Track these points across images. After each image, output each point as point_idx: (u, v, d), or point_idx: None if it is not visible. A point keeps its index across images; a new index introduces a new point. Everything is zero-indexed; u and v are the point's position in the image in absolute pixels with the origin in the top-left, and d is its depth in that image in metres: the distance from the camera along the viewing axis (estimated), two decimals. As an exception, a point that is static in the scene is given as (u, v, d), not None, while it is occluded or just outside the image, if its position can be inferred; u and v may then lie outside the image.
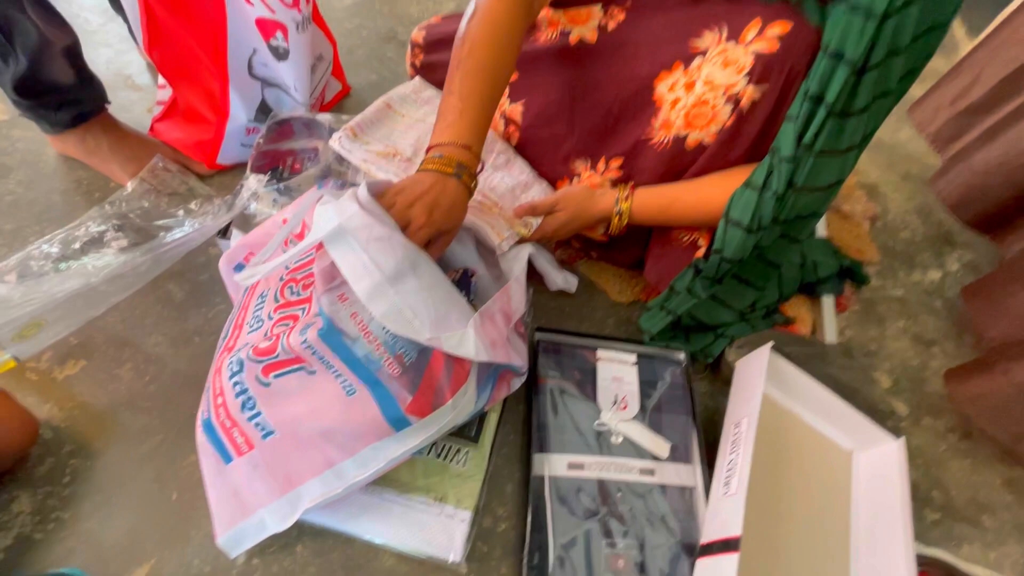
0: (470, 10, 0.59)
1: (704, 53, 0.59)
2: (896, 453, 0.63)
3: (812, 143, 0.54)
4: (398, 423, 0.49)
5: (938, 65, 1.40)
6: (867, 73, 0.52)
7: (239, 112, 0.79)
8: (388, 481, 0.57)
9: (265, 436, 0.50)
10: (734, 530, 0.50)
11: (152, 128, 0.84)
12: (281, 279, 0.60)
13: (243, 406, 0.50)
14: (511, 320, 0.58)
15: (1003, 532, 0.67)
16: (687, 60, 0.60)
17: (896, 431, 0.74)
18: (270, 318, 0.56)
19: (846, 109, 0.53)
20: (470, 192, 0.56)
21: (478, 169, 0.57)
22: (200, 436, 0.52)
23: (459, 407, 0.52)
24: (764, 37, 0.55)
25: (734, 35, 0.57)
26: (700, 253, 0.71)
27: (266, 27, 0.74)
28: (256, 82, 0.80)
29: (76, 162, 0.80)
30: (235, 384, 0.51)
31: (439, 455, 0.59)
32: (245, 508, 0.52)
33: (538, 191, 0.74)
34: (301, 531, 0.55)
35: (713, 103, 0.59)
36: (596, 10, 0.67)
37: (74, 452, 0.57)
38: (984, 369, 0.68)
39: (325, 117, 0.77)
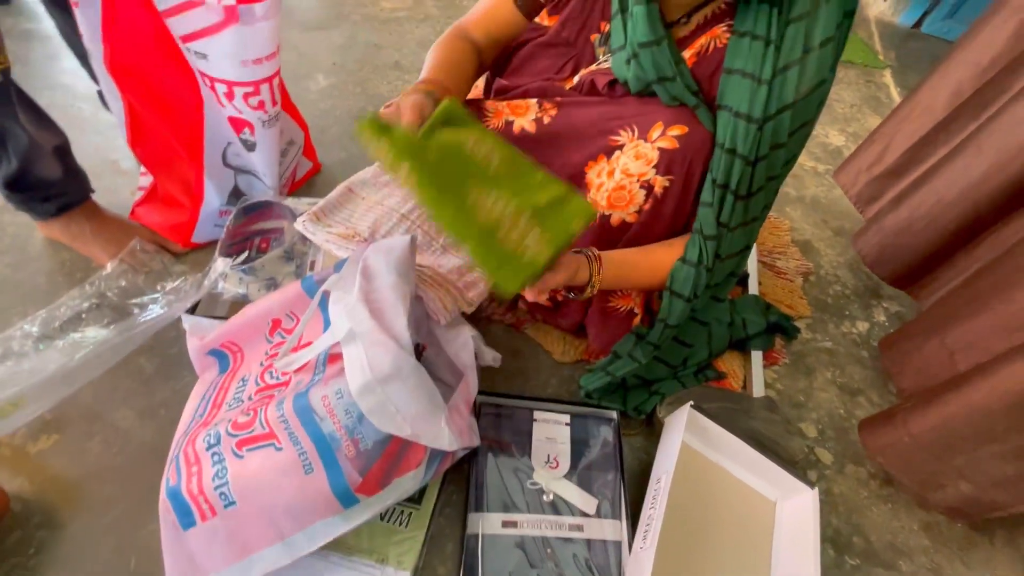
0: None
1: (622, 147, 0.69)
2: (810, 502, 0.69)
3: (728, 222, 0.67)
4: (346, 500, 0.55)
5: (870, 124, 1.52)
6: (758, 164, 0.64)
7: (213, 197, 0.87)
8: (333, 544, 0.60)
9: (227, 506, 0.55)
10: (644, 583, 0.55)
11: (133, 211, 0.92)
12: (261, 364, 0.67)
13: (215, 475, 0.55)
14: (470, 407, 0.65)
15: (919, 576, 0.72)
16: (608, 152, 0.70)
17: (821, 479, 0.79)
18: (250, 399, 0.63)
19: (747, 192, 0.65)
20: (430, 96, 0.61)
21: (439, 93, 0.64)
22: (164, 503, 0.57)
23: (405, 487, 0.58)
24: (666, 136, 0.65)
25: (643, 134, 0.67)
26: (637, 320, 0.79)
27: (236, 123, 0.83)
28: (229, 170, 0.89)
29: (61, 244, 0.87)
30: (212, 455, 0.57)
31: (383, 518, 0.64)
32: (199, 572, 0.56)
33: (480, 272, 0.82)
34: (250, 595, 0.59)
35: (629, 188, 0.68)
36: (532, 104, 0.77)
37: (41, 524, 0.62)
38: (888, 420, 0.74)
39: (291, 201, 0.85)
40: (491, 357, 0.73)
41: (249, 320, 0.70)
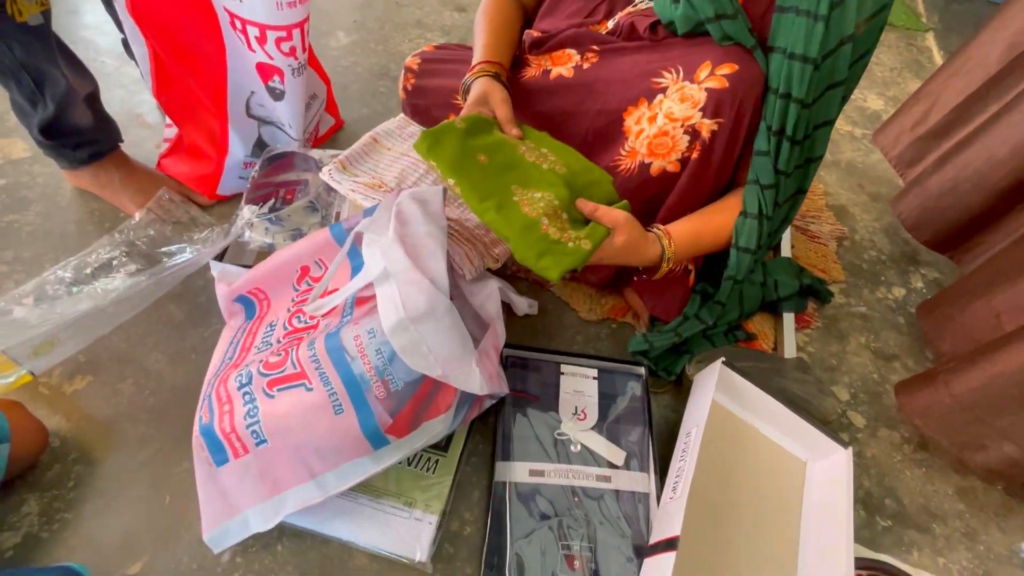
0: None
1: (665, 90, 0.66)
2: (844, 461, 0.67)
3: (785, 168, 0.65)
4: (376, 441, 0.55)
5: (911, 88, 1.45)
6: (815, 105, 0.61)
7: (237, 148, 0.87)
8: (362, 487, 0.61)
9: (259, 444, 0.55)
10: (675, 530, 0.54)
11: (159, 163, 0.92)
12: (289, 310, 0.67)
13: (247, 414, 0.56)
14: (499, 353, 0.64)
15: (953, 540, 0.70)
16: (650, 96, 0.67)
17: (853, 443, 0.77)
18: (279, 342, 0.63)
19: (804, 135, 0.63)
20: (497, 79, 0.70)
21: (503, 74, 0.72)
22: (197, 440, 0.57)
23: (434, 431, 0.58)
24: (714, 76, 0.62)
25: (689, 75, 0.64)
26: (692, 279, 0.77)
27: (265, 71, 0.81)
28: (253, 121, 0.87)
29: (90, 194, 0.88)
30: (244, 394, 0.57)
31: (410, 463, 0.64)
32: (232, 508, 0.57)
33: None
34: (281, 532, 0.60)
35: (672, 134, 0.65)
36: (573, 53, 0.74)
37: (79, 459, 0.63)
38: (929, 382, 0.72)
39: (315, 152, 0.84)
40: (526, 304, 0.72)
41: (277, 266, 0.69)
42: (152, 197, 0.85)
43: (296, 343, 0.60)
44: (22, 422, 0.59)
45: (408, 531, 0.59)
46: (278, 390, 0.56)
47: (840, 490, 0.65)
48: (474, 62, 0.72)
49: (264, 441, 0.55)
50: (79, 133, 0.79)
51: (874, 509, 0.71)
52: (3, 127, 0.96)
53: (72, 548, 0.57)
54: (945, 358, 0.81)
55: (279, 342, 0.63)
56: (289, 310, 0.68)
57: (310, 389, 0.56)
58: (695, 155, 0.65)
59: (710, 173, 0.67)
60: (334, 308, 0.63)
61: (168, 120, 0.92)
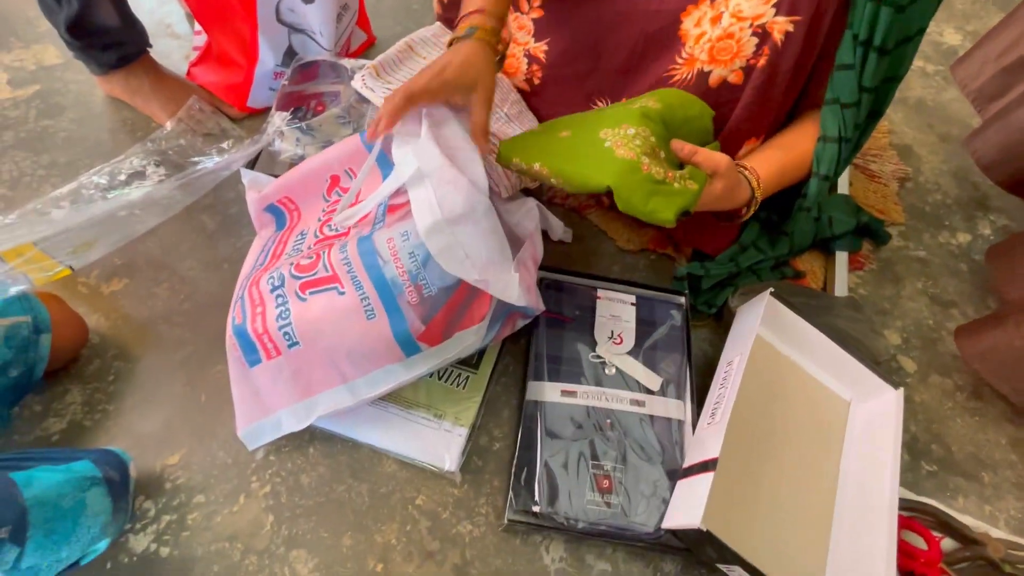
0: None
1: None
2: (893, 402, 0.63)
3: (871, 84, 0.58)
4: (408, 348, 0.54)
5: (993, 23, 1.31)
6: (910, 7, 0.54)
7: (267, 56, 0.83)
8: (392, 396, 0.61)
9: (291, 346, 0.55)
10: (713, 453, 0.52)
11: (188, 72, 0.89)
12: (319, 219, 0.65)
13: (279, 316, 0.55)
14: (537, 266, 0.62)
15: (1002, 489, 0.67)
16: None
17: (903, 387, 0.73)
18: (310, 248, 0.61)
19: (895, 43, 0.56)
20: (489, 46, 0.57)
21: (501, 30, 0.59)
22: (230, 339, 0.57)
23: (467, 342, 0.56)
24: None
25: None
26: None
27: (294, -29, 0.77)
28: (283, 28, 0.83)
29: (122, 103, 0.86)
30: (276, 296, 0.56)
31: (440, 377, 0.63)
32: (265, 407, 0.58)
33: None
34: (313, 435, 0.60)
35: (738, 36, 0.58)
36: None
37: (117, 356, 0.64)
38: (997, 323, 0.67)
39: (347, 61, 0.80)
40: (561, 230, 0.69)
41: (306, 175, 0.67)
42: (183, 106, 0.83)
43: (328, 246, 0.58)
44: (63, 314, 0.60)
45: (438, 441, 0.59)
46: (310, 293, 0.55)
47: (887, 430, 0.62)
48: (466, 9, 0.59)
49: (296, 343, 0.55)
50: (106, 33, 0.77)
51: (919, 454, 0.68)
52: (35, 32, 0.94)
53: (113, 436, 0.59)
54: (1012, 306, 0.75)
55: (310, 248, 0.62)
56: (320, 219, 0.66)
57: (342, 293, 0.54)
58: (762, 62, 0.58)
59: (779, 85, 0.60)
60: (365, 216, 0.60)
61: (197, 27, 0.89)
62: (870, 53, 0.56)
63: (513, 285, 0.52)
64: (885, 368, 0.74)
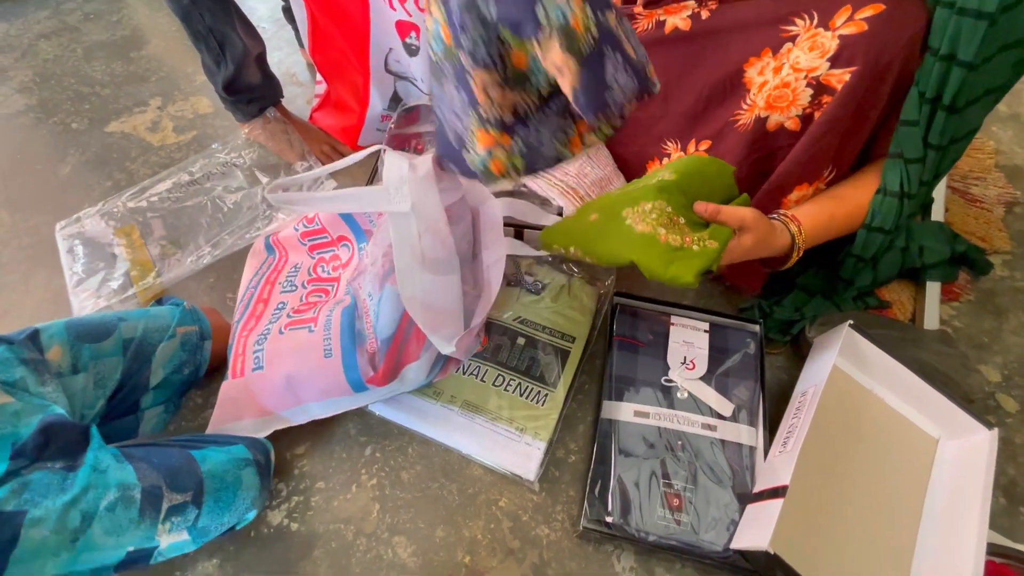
0: None
1: (795, 39, 0.61)
2: (986, 442, 0.61)
3: (938, 142, 0.58)
4: (357, 388, 0.63)
5: None
6: (981, 68, 0.53)
7: (376, 102, 0.95)
8: (480, 409, 0.69)
9: (254, 370, 0.64)
10: (783, 480, 0.54)
11: (311, 117, 1.04)
12: (312, 258, 0.78)
13: (256, 343, 0.67)
14: (482, 327, 0.67)
15: (1118, 543, 0.62)
16: (776, 46, 0.62)
17: (1000, 427, 0.70)
18: (304, 287, 0.74)
19: (965, 103, 0.55)
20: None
21: None
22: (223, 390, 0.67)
23: (409, 378, 0.64)
24: (853, 21, 0.56)
25: (824, 21, 0.58)
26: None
27: (403, 28, 0.88)
28: (390, 76, 0.95)
29: (258, 144, 1.02)
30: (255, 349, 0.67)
31: (523, 395, 0.70)
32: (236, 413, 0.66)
33: (617, 185, 0.80)
34: (411, 438, 0.69)
35: (794, 86, 0.60)
36: (691, 3, 0.71)
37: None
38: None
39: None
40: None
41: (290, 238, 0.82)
42: (307, 146, 0.97)
43: (320, 298, 0.71)
44: (219, 324, 0.73)
45: (519, 452, 0.66)
46: (289, 329, 0.67)
47: (978, 471, 0.60)
48: None
49: (259, 368, 0.64)
50: (252, 89, 0.92)
51: (1018, 499, 0.65)
52: (191, 86, 1.14)
53: (254, 428, 0.71)
54: None
55: (304, 287, 0.74)
56: (312, 258, 0.79)
57: (311, 331, 0.65)
58: (818, 112, 0.60)
59: (835, 133, 0.60)
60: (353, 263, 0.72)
61: (319, 77, 1.03)
62: (938, 111, 0.55)
63: (446, 349, 0.60)
64: (980, 406, 0.71)
